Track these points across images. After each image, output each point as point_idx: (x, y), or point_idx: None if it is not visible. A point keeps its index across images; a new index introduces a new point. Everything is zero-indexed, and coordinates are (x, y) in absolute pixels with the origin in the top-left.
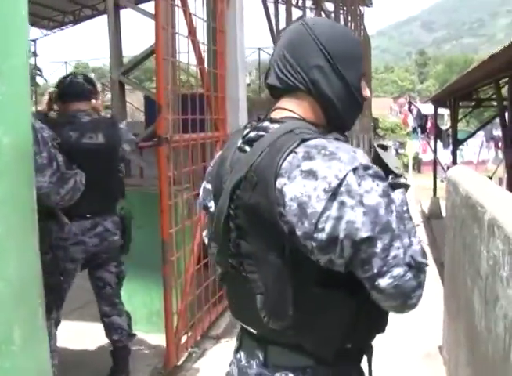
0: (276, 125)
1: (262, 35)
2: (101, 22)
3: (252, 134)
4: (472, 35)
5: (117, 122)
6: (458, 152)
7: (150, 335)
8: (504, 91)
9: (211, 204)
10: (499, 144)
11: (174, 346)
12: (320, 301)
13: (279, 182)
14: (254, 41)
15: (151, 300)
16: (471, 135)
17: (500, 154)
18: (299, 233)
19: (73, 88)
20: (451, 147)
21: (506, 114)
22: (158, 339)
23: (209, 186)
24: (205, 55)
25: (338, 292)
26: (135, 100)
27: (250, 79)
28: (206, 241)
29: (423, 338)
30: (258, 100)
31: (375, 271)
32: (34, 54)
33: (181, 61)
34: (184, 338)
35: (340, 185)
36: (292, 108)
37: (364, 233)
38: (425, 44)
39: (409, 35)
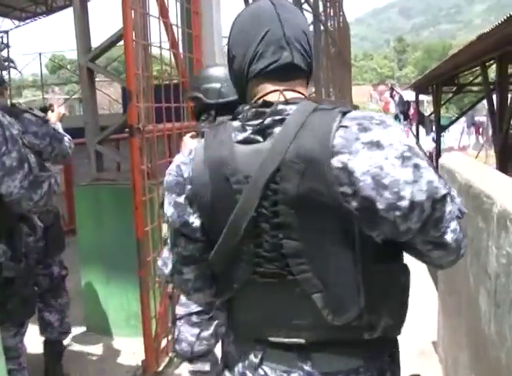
0: (293, 106)
1: None
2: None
3: (264, 121)
4: (449, 21)
5: (20, 112)
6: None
7: (129, 339)
8: (491, 74)
9: (194, 218)
10: (480, 130)
11: (154, 351)
12: (381, 282)
13: (338, 160)
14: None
15: (128, 302)
16: (455, 120)
17: (481, 140)
18: (381, 206)
19: None
20: (432, 134)
21: (494, 98)
22: (137, 344)
23: (181, 200)
24: (179, 39)
25: (393, 270)
26: (113, 92)
27: None
28: (168, 265)
29: (415, 334)
30: None
31: (445, 228)
32: (7, 46)
33: (153, 44)
34: (164, 342)
35: (407, 149)
36: (297, 89)
37: (442, 191)
38: (403, 31)
39: (387, 22)
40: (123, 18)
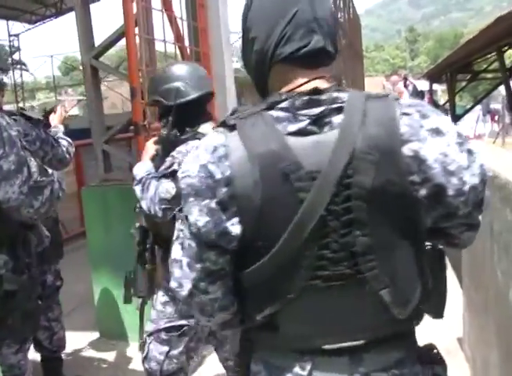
0: (345, 94)
1: None
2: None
3: (318, 110)
4: (460, 10)
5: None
6: None
7: None
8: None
9: (232, 225)
10: (496, 117)
11: None
12: (432, 268)
13: (410, 148)
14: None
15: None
16: (470, 108)
17: (497, 128)
18: (450, 192)
19: None
20: None
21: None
22: None
23: (214, 205)
24: (184, 32)
25: (439, 254)
26: (125, 91)
27: (241, 65)
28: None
29: (440, 331)
30: (249, 81)
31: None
32: (18, 49)
33: (157, 39)
34: None
35: (459, 135)
36: (329, 76)
37: (489, 173)
38: (414, 21)
39: (397, 13)
40: (124, 12)
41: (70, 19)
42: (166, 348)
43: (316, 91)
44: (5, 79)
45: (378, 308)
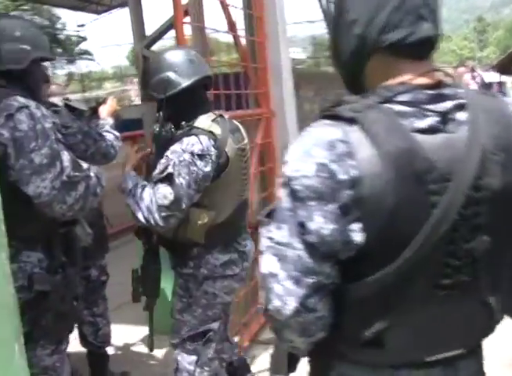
0: (461, 90)
1: (314, 7)
2: (152, 2)
3: (445, 106)
4: None
5: (50, 106)
6: None
7: None
8: None
9: (354, 231)
10: None
11: None
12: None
13: None
14: (305, 15)
15: None
16: None
17: None
18: None
19: None
20: None
21: None
22: None
23: (334, 207)
24: (240, 21)
25: None
26: None
27: (306, 55)
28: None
29: (501, 343)
30: (307, 72)
31: None
32: (84, 39)
33: (208, 28)
34: None
35: None
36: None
37: None
38: (483, 9)
39: (465, 2)
40: (174, 2)
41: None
42: (194, 358)
43: (440, 84)
44: (73, 69)
45: (484, 315)
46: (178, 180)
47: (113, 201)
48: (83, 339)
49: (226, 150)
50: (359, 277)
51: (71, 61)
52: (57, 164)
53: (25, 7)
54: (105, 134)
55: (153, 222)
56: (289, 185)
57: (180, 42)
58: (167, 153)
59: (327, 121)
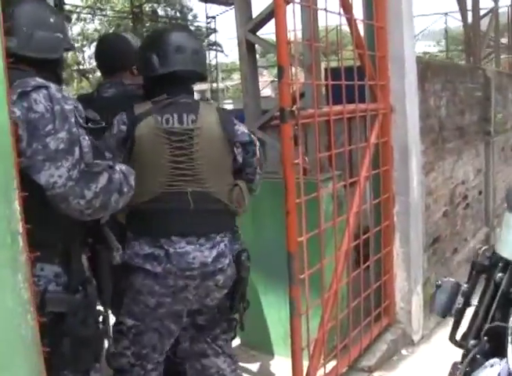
0: None
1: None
2: None
3: None
4: None
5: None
6: None
7: (286, 360)
8: None
9: None
10: None
11: None
12: None
13: None
14: (439, 6)
15: (287, 317)
16: None
17: None
18: None
19: None
20: None
21: None
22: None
23: None
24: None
25: None
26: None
27: (438, 49)
28: None
29: None
30: (434, 63)
31: None
32: (214, 30)
33: (317, 8)
34: (320, 373)
35: None
36: None
37: None
38: None
39: None
40: None
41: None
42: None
43: None
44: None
45: None
46: None
47: None
48: None
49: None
50: None
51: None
52: (76, 151)
53: None
54: None
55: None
56: None
57: (279, 23)
58: None
59: None
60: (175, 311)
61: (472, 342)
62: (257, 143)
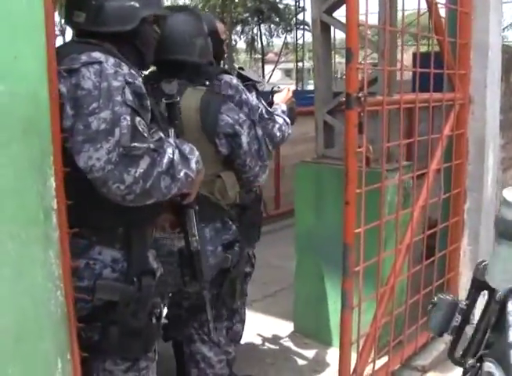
0: None
1: None
2: None
3: None
4: None
5: (217, 73)
6: None
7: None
8: None
9: None
10: None
11: None
12: None
13: None
14: None
15: None
16: None
17: None
18: None
19: None
20: None
21: None
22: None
23: None
24: None
25: None
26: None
27: None
28: None
29: None
30: None
31: None
32: (303, 9)
33: None
34: (369, 368)
35: None
36: None
37: None
38: None
39: None
40: None
41: None
42: None
43: None
44: (289, 38)
45: None
46: None
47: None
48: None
49: None
50: None
51: (288, 31)
52: (116, 132)
53: None
54: (275, 117)
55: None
56: None
57: (349, 2)
58: None
59: None
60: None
61: (470, 362)
62: (250, 135)
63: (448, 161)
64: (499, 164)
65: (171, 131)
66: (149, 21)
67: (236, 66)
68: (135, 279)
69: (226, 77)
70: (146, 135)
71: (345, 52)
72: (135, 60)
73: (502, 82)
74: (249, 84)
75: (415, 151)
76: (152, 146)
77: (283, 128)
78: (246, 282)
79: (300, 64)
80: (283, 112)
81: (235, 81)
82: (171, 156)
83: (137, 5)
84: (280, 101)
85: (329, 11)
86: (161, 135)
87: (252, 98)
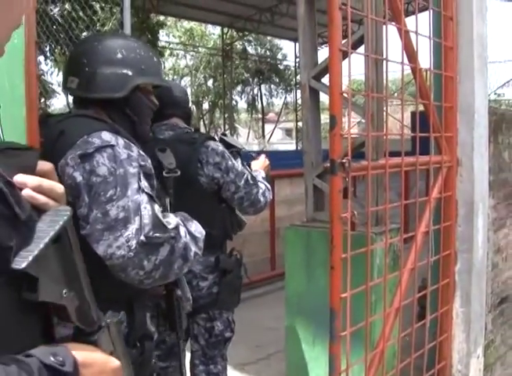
0: None
1: None
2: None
3: None
4: None
5: (202, 140)
6: None
7: None
8: None
9: None
10: None
11: None
12: None
13: None
14: None
15: None
16: None
17: None
18: None
19: None
20: None
21: None
22: None
23: None
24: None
25: None
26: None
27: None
28: None
29: None
30: (510, 113)
31: None
32: None
33: (376, 57)
34: None
35: None
36: None
37: None
38: None
39: None
40: (328, 20)
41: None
42: None
43: None
44: (289, 98)
45: None
46: None
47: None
48: None
49: None
50: None
51: (288, 91)
52: (136, 220)
53: (249, 37)
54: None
55: None
56: None
57: (332, 70)
58: None
59: None
60: None
61: None
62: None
63: (437, 223)
64: (491, 225)
65: (167, 202)
66: (145, 90)
67: (238, 126)
68: (138, 343)
69: (212, 144)
70: (165, 223)
71: (329, 119)
72: (127, 129)
73: (490, 143)
74: (234, 150)
75: (401, 214)
76: (172, 234)
77: (266, 193)
78: (226, 347)
79: (300, 124)
80: (264, 178)
81: (221, 147)
82: (185, 239)
83: (130, 73)
84: (259, 168)
85: (318, 77)
86: (173, 217)
87: (238, 164)
